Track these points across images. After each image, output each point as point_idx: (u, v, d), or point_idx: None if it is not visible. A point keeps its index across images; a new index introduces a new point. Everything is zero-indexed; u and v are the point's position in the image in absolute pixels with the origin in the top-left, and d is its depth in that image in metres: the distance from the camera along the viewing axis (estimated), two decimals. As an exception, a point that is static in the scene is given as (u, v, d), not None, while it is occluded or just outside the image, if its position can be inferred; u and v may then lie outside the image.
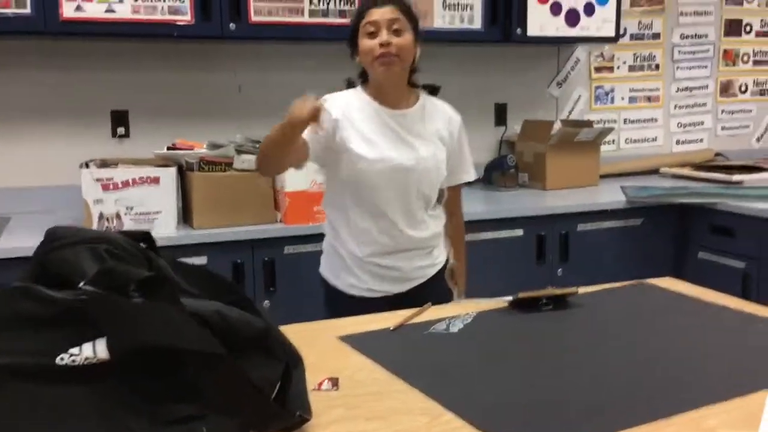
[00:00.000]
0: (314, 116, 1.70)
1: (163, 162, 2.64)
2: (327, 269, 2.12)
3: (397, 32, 1.91)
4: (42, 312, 0.78)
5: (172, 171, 2.54)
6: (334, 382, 1.22)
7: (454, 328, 1.48)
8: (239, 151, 2.62)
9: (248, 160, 2.60)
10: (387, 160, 1.95)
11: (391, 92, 1.99)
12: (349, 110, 1.98)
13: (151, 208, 2.49)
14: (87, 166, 2.53)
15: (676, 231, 3.22)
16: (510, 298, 1.61)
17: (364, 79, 2.04)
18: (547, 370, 1.33)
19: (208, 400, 0.79)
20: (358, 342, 1.43)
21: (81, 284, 0.78)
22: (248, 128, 3.00)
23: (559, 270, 3.04)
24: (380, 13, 1.91)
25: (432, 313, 1.63)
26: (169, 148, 2.68)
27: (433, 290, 2.03)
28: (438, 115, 2.06)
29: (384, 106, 1.98)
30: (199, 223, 2.57)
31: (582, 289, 1.71)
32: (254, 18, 2.77)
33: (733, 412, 1.15)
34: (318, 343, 1.41)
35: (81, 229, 0.98)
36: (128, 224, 2.47)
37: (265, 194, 2.65)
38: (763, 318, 1.60)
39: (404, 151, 1.97)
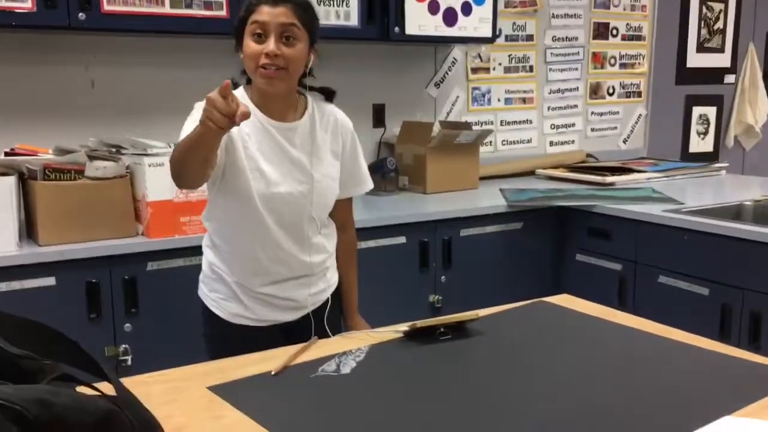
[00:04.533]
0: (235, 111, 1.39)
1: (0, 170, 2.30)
2: (207, 295, 1.86)
3: (288, 40, 1.65)
4: None
5: (11, 180, 2.21)
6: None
7: (346, 368, 1.30)
8: (92, 157, 2.33)
9: (102, 167, 2.31)
10: (276, 185, 1.72)
11: (276, 103, 1.74)
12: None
13: (-14, 223, 2.16)
14: None
15: (554, 233, 3.22)
16: (405, 328, 1.46)
17: (248, 80, 1.77)
18: (451, 410, 1.19)
19: None
20: (233, 393, 1.22)
21: None
22: (103, 130, 2.70)
23: (443, 276, 2.95)
24: (271, 14, 1.63)
25: (319, 349, 1.44)
26: (6, 154, 2.33)
27: (326, 315, 1.87)
28: (329, 126, 1.84)
29: (269, 117, 1.74)
30: (45, 239, 2.25)
31: (482, 312, 1.58)
32: (107, 7, 2.47)
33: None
34: (186, 396, 1.20)
35: None
36: (-43, 243, 2.12)
37: (124, 203, 2.37)
38: (649, 334, 1.55)
39: (296, 174, 1.75)
